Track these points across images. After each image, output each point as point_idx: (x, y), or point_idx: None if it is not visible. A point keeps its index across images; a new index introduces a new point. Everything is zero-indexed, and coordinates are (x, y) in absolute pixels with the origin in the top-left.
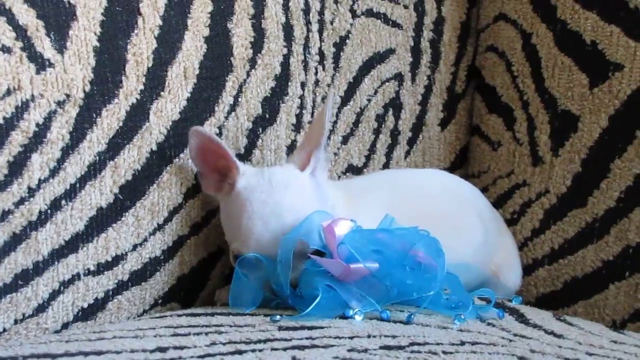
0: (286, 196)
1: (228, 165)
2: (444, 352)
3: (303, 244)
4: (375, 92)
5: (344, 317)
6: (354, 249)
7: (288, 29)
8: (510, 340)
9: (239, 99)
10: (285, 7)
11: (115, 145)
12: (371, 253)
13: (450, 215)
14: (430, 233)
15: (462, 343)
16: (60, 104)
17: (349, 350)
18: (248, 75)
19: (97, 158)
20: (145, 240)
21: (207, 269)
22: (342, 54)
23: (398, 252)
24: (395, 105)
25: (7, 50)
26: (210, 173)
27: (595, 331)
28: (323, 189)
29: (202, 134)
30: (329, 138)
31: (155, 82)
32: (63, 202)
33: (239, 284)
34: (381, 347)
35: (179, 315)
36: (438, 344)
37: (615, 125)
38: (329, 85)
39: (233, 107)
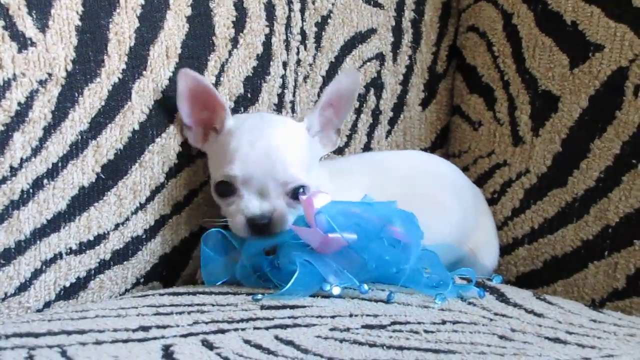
0: (277, 128)
1: (215, 111)
2: (425, 331)
3: None
4: None
5: (324, 293)
6: (332, 219)
7: (270, 9)
8: (491, 320)
9: (221, 79)
10: None
11: (98, 125)
12: (349, 225)
13: (428, 195)
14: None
15: (444, 322)
16: (42, 83)
17: (331, 329)
18: (230, 54)
19: (79, 137)
20: (127, 219)
21: (189, 248)
22: (323, 33)
23: (375, 226)
24: (376, 85)
25: None
26: (195, 125)
27: (574, 310)
28: (315, 152)
29: (190, 76)
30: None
31: (137, 62)
32: (45, 181)
33: (208, 260)
34: (363, 326)
35: (161, 294)
36: (419, 322)
37: (595, 105)
38: (310, 65)
39: (215, 87)
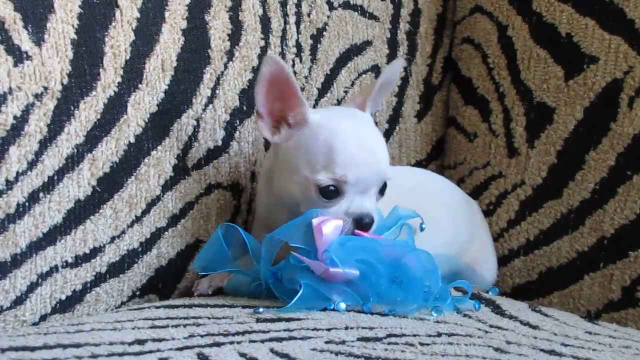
0: (370, 125)
1: (289, 104)
2: (421, 344)
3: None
4: (352, 84)
5: (326, 308)
6: (339, 258)
7: (265, 21)
8: (487, 332)
9: (217, 91)
10: (263, 0)
11: (93, 138)
12: (355, 262)
13: (420, 210)
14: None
15: (439, 334)
16: (38, 96)
17: (326, 342)
18: (225, 67)
19: (75, 151)
20: (123, 232)
21: (184, 261)
22: (319, 46)
23: (384, 264)
24: None
25: None
26: (267, 114)
27: (570, 322)
28: None
29: (277, 63)
30: None
31: (133, 75)
32: (41, 194)
33: (213, 245)
34: (359, 339)
35: (157, 307)
36: (415, 335)
37: (590, 117)
38: (306, 77)
39: (210, 99)
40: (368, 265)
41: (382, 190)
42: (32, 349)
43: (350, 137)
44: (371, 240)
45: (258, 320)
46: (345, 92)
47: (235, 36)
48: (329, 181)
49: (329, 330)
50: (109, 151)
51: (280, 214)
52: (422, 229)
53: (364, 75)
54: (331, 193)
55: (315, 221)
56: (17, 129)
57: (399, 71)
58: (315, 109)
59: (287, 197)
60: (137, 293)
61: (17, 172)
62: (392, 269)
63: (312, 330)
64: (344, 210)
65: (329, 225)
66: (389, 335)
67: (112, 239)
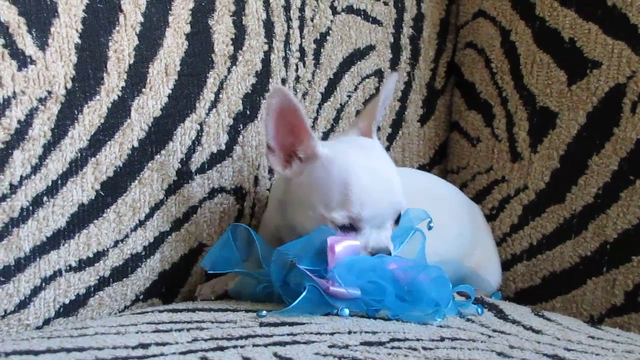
0: (382, 158)
1: (299, 137)
2: (424, 348)
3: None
4: (356, 88)
5: (329, 313)
6: (343, 278)
7: (269, 26)
8: (490, 336)
9: (220, 96)
10: (266, 4)
11: (97, 142)
12: (363, 282)
13: None
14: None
15: (442, 339)
16: (41, 100)
17: (330, 346)
18: (229, 71)
19: (79, 155)
20: (127, 236)
21: (188, 265)
22: (322, 50)
23: (394, 284)
24: None
25: None
26: (278, 149)
27: (573, 327)
28: None
29: (285, 95)
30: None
31: (136, 79)
32: (44, 198)
33: (224, 249)
34: (362, 343)
35: (160, 311)
36: (418, 339)
37: (592, 122)
38: (309, 82)
39: (214, 104)
40: (377, 285)
41: (397, 220)
42: (36, 352)
43: (363, 172)
44: (381, 262)
45: (261, 325)
46: (349, 96)
47: (238, 41)
48: (345, 219)
49: (332, 334)
50: (112, 155)
51: (291, 234)
52: (429, 228)
53: (367, 80)
54: (348, 228)
55: (330, 239)
56: (21, 133)
57: (394, 85)
58: (324, 142)
59: (302, 230)
60: (141, 297)
61: (21, 176)
62: (401, 289)
63: (316, 334)
64: (362, 246)
65: (341, 245)
66: (392, 340)
67: (116, 243)
